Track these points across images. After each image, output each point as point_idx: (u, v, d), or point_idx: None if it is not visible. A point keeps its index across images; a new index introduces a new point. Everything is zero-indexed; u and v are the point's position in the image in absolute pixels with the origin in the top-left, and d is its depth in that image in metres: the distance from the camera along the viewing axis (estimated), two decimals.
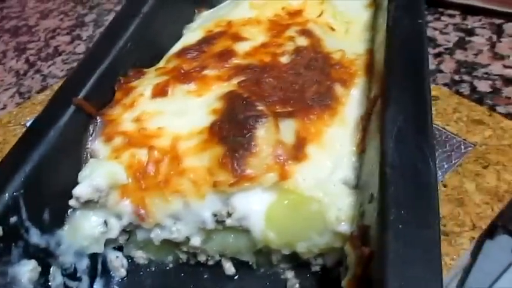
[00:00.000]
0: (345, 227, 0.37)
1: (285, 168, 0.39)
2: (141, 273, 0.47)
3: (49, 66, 0.83)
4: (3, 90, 0.80)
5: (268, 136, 0.41)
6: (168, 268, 0.47)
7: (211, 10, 0.65)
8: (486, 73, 0.63)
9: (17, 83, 0.81)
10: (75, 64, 0.82)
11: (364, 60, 0.50)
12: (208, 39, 0.52)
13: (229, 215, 0.41)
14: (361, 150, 0.42)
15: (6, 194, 0.37)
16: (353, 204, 0.38)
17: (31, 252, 0.38)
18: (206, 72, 0.48)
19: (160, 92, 0.47)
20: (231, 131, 0.41)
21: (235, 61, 0.49)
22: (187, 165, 0.41)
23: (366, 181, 0.38)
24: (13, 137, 0.66)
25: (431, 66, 0.65)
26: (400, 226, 0.29)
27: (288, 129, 0.42)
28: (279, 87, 0.46)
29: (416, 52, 0.41)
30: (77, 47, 0.87)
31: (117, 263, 0.46)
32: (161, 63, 0.52)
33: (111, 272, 0.46)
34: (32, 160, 0.39)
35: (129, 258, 0.47)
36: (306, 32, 0.53)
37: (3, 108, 0.75)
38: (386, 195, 0.31)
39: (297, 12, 0.56)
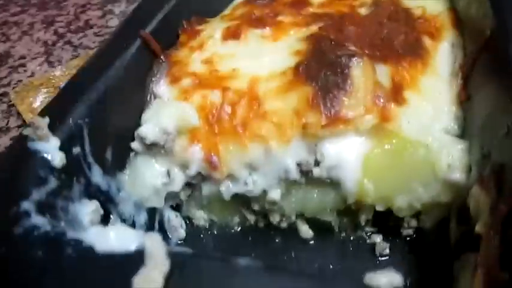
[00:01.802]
0: (458, 176, 0.33)
1: (385, 111, 0.35)
2: (201, 236, 0.41)
3: (80, 38, 0.79)
4: (30, 59, 0.75)
5: (365, 75, 0.36)
6: (232, 231, 0.41)
7: None
8: None
9: (46, 52, 0.76)
10: (107, 37, 0.78)
11: (448, 15, 0.46)
12: None
13: (317, 163, 0.36)
14: (464, 98, 0.37)
15: (71, 120, 0.32)
16: (465, 151, 0.33)
17: (92, 192, 0.33)
18: (281, 18, 0.44)
19: (232, 34, 0.42)
20: (322, 70, 0.36)
21: (311, 10, 0.45)
22: (270, 108, 0.37)
23: (486, 123, 0.33)
24: (45, 99, 0.61)
25: None
26: None
27: (383, 71, 0.37)
28: (363, 34, 0.41)
29: None
30: (110, 21, 0.82)
31: (176, 222, 0.41)
32: (226, 11, 0.48)
33: (168, 233, 0.41)
34: (97, 87, 0.35)
35: (188, 220, 0.42)
36: None
37: (31, 76, 0.70)
38: None
39: None
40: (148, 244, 0.31)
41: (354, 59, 0.37)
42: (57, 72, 0.65)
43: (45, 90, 0.62)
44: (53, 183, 0.30)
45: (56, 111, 0.32)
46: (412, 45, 0.41)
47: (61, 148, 0.30)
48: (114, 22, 0.82)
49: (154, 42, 0.40)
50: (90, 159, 0.33)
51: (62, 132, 0.31)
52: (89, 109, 0.33)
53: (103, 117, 0.35)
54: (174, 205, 0.42)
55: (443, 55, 0.41)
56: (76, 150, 0.32)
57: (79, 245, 0.30)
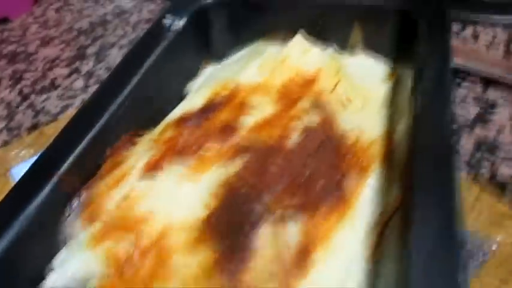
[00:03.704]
0: None
1: (288, 282, 0.34)
2: None
3: (43, 101, 0.79)
4: None
5: (270, 241, 0.36)
6: None
7: (219, 66, 0.61)
8: (508, 157, 0.58)
9: (8, 116, 0.76)
10: (70, 101, 0.78)
11: (381, 145, 0.45)
12: (212, 107, 0.48)
13: None
14: (377, 258, 0.37)
15: None
16: None
17: None
18: (206, 148, 0.43)
19: (152, 168, 0.42)
20: (228, 230, 0.36)
21: (238, 138, 0.44)
22: (176, 263, 0.36)
23: None
24: None
25: None
26: None
27: (293, 230, 0.37)
28: (285, 176, 0.41)
29: (444, 154, 0.37)
30: (75, 82, 0.82)
31: None
32: (157, 131, 0.48)
33: None
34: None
35: None
36: (319, 106, 0.48)
37: None
38: None
39: (310, 82, 0.52)
40: None
41: (261, 220, 0.36)
42: (12, 153, 0.65)
43: None
44: None
45: None
46: (333, 188, 0.41)
47: None
48: (79, 84, 0.82)
49: (70, 181, 0.40)
50: None
51: None
52: None
53: (7, 272, 0.35)
54: None
55: (366, 200, 0.41)
56: None
57: None
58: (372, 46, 0.59)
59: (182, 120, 0.46)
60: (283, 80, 0.52)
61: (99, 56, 0.88)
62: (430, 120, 0.40)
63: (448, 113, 0.40)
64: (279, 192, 0.39)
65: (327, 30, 0.60)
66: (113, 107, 0.47)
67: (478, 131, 0.62)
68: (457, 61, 0.69)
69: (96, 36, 0.94)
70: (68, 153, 0.41)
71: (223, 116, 0.47)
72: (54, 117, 0.74)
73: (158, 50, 0.55)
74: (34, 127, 0.73)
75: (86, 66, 0.86)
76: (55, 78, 0.84)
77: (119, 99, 0.47)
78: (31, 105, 0.78)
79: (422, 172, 0.35)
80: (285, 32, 0.61)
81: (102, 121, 0.45)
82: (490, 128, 0.62)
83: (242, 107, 0.48)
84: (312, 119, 0.47)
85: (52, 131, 0.68)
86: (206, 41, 0.62)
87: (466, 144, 0.60)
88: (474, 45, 0.76)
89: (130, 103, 0.48)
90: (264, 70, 0.53)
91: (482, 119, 0.64)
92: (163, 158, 0.43)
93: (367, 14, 0.58)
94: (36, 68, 0.88)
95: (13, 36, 0.98)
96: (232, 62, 0.60)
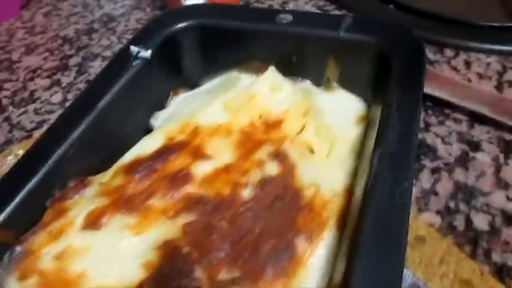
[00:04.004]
0: None
1: None
2: None
3: (20, 114, 0.77)
4: None
5: None
6: None
7: (188, 94, 0.59)
8: (486, 204, 0.55)
9: None
10: (46, 116, 0.76)
11: (340, 201, 0.43)
12: (167, 151, 0.45)
13: None
14: None
15: None
16: None
17: None
18: (152, 201, 0.41)
19: (93, 222, 0.40)
20: None
21: (189, 189, 0.42)
22: None
23: None
24: None
25: (427, 185, 0.57)
26: None
27: None
28: (231, 236, 0.39)
29: (395, 228, 0.34)
30: (54, 95, 0.80)
31: None
32: (108, 175, 0.45)
33: None
34: None
35: None
36: (279, 155, 0.46)
37: None
38: None
39: (275, 124, 0.49)
40: None
41: None
42: None
43: None
44: None
45: None
46: (282, 252, 0.38)
47: None
48: (58, 97, 0.80)
49: (5, 235, 0.38)
50: None
51: None
52: None
53: None
54: None
55: (313, 270, 0.38)
56: None
57: None
58: (349, 83, 0.56)
59: (133, 166, 0.44)
60: (247, 121, 0.49)
61: (81, 68, 0.86)
62: (385, 186, 0.37)
63: (406, 179, 0.37)
64: (220, 258, 0.37)
65: (303, 62, 0.58)
66: (67, 144, 0.45)
67: (458, 174, 0.59)
68: (444, 94, 0.66)
69: (81, 46, 0.92)
70: (9, 199, 0.39)
71: (177, 161, 0.45)
72: (28, 133, 0.73)
73: (123, 80, 0.53)
74: (8, 142, 0.72)
75: (67, 78, 0.84)
76: (35, 90, 0.82)
77: (74, 136, 0.45)
78: (8, 119, 0.77)
79: (367, 244, 0.33)
80: (260, 62, 0.58)
81: (52, 161, 0.43)
82: (470, 172, 0.59)
83: (199, 152, 0.45)
84: (271, 169, 0.44)
85: (19, 153, 0.66)
86: (177, 69, 0.60)
87: (443, 188, 0.57)
88: (465, 74, 0.73)
89: (87, 140, 0.46)
90: (229, 108, 0.51)
91: (464, 160, 0.60)
92: (106, 210, 0.41)
93: (343, 49, 0.55)
94: (17, 77, 0.86)
95: None
96: (202, 91, 0.58)
